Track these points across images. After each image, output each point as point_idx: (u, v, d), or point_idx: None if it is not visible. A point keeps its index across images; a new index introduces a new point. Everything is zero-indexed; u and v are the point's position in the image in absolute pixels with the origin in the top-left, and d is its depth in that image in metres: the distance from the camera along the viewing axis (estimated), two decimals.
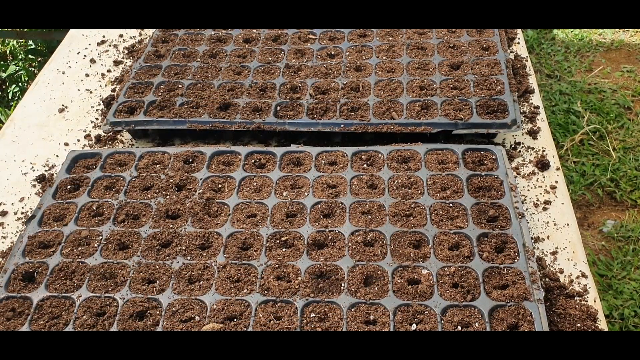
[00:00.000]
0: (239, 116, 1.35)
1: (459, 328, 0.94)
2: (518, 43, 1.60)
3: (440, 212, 1.12)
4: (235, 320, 0.98)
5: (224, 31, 1.64)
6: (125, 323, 0.99)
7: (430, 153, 1.24)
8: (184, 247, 1.10)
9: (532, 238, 1.13)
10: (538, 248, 1.12)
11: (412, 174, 1.19)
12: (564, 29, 3.04)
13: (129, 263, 1.08)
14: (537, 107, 1.39)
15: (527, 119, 1.37)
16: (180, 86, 1.45)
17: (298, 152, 1.27)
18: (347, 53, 1.51)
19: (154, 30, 1.70)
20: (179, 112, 1.37)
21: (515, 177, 1.24)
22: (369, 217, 1.12)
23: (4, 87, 2.95)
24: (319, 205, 1.15)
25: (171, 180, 1.23)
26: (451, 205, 1.13)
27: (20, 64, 2.88)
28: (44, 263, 1.09)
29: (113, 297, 1.03)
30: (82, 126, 1.49)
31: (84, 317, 1.00)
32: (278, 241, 1.09)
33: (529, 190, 1.23)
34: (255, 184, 1.21)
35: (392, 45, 1.51)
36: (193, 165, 1.27)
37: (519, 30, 1.64)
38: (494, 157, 1.23)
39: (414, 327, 0.95)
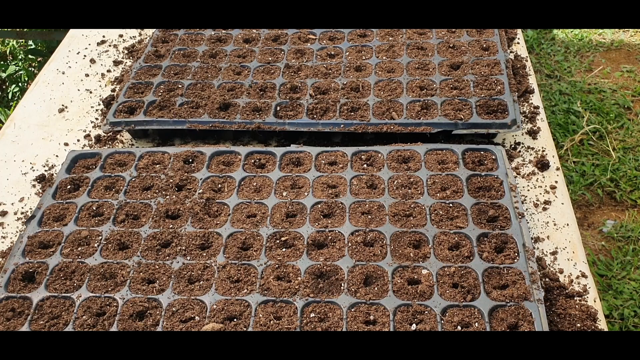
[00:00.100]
0: (238, 116, 1.35)
1: (459, 328, 0.94)
2: (518, 43, 1.60)
3: (440, 212, 1.12)
4: (235, 320, 0.98)
5: (223, 31, 1.64)
6: (125, 323, 0.99)
7: (430, 153, 1.24)
8: (183, 247, 1.10)
9: (532, 238, 1.13)
10: (538, 248, 1.12)
11: (412, 174, 1.19)
12: (564, 29, 3.04)
13: (128, 263, 1.08)
14: (537, 107, 1.40)
15: (527, 119, 1.37)
16: (180, 86, 1.45)
17: (298, 152, 1.27)
18: (347, 53, 1.51)
19: (154, 30, 1.70)
20: (178, 112, 1.37)
21: (515, 177, 1.24)
22: (369, 217, 1.12)
23: (4, 87, 2.95)
24: (319, 205, 1.15)
25: (171, 180, 1.23)
26: (451, 205, 1.13)
27: (20, 64, 2.88)
28: (43, 263, 1.09)
29: (113, 297, 1.03)
30: (82, 126, 1.49)
31: (84, 317, 1.00)
32: (278, 241, 1.09)
33: (528, 190, 1.23)
34: (255, 184, 1.21)
35: (392, 45, 1.51)
36: (193, 165, 1.27)
37: (519, 30, 1.64)
38: (493, 157, 1.23)
39: (414, 327, 0.95)
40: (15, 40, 2.98)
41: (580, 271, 1.08)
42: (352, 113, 1.33)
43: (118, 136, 1.44)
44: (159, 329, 0.98)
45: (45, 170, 1.37)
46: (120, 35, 1.77)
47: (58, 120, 1.51)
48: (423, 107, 1.33)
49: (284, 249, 1.08)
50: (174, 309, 1.00)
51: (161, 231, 1.13)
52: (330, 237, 1.09)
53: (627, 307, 1.89)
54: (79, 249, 1.11)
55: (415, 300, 0.98)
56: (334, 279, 1.02)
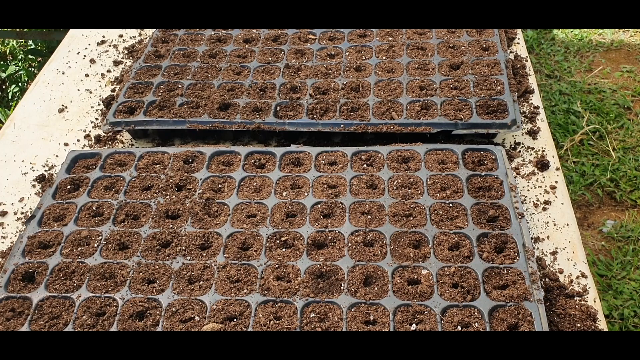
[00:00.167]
0: (238, 116, 1.35)
1: (459, 328, 0.94)
2: (518, 43, 1.60)
3: (440, 212, 1.12)
4: (235, 320, 0.98)
5: (223, 31, 1.64)
6: (125, 323, 0.99)
7: (430, 153, 1.24)
8: (183, 247, 1.10)
9: (532, 238, 1.13)
10: (538, 248, 1.12)
11: (412, 174, 1.19)
12: (564, 29, 3.04)
13: (128, 263, 1.08)
14: (536, 107, 1.40)
15: (526, 119, 1.37)
16: (180, 86, 1.45)
17: (298, 152, 1.27)
18: (347, 53, 1.51)
19: (153, 30, 1.70)
20: (178, 112, 1.37)
21: (515, 177, 1.24)
22: (369, 217, 1.12)
23: (4, 87, 2.95)
24: (319, 206, 1.15)
25: (171, 181, 1.23)
26: (451, 205, 1.13)
27: (20, 64, 2.88)
28: (43, 263, 1.09)
29: (113, 297, 1.03)
30: (82, 126, 1.49)
31: (84, 317, 1.00)
32: (278, 241, 1.09)
33: (528, 190, 1.23)
34: (255, 184, 1.21)
35: (392, 45, 1.51)
36: (193, 165, 1.27)
37: (519, 30, 1.64)
38: (493, 157, 1.23)
39: (413, 327, 0.95)
40: (15, 40, 2.98)
41: (580, 271, 1.08)
42: (352, 113, 1.33)
43: (118, 136, 1.44)
44: (159, 329, 0.98)
45: (45, 170, 1.37)
46: (120, 35, 1.77)
47: (58, 120, 1.51)
48: (423, 107, 1.33)
49: (283, 249, 1.08)
50: (173, 309, 1.00)
51: (161, 231, 1.13)
52: (330, 237, 1.09)
53: (627, 307, 1.89)
54: (79, 249, 1.11)
55: (415, 300, 0.98)
56: (333, 279, 1.02)
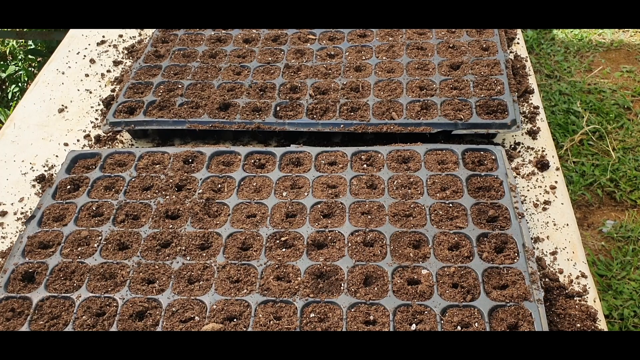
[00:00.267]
0: (238, 116, 1.35)
1: (459, 328, 0.94)
2: (518, 43, 1.60)
3: (440, 212, 1.12)
4: (235, 320, 0.98)
5: (223, 31, 1.64)
6: (125, 323, 0.99)
7: (430, 153, 1.24)
8: (183, 248, 1.10)
9: (531, 238, 1.13)
10: (538, 248, 1.12)
11: (412, 174, 1.19)
12: (564, 29, 3.04)
13: (128, 263, 1.08)
14: (536, 107, 1.40)
15: (526, 119, 1.37)
16: (180, 86, 1.45)
17: (298, 152, 1.27)
18: (347, 53, 1.51)
19: (153, 30, 1.70)
20: (178, 112, 1.37)
21: (515, 177, 1.24)
22: (369, 217, 1.12)
23: (4, 87, 2.94)
24: (319, 206, 1.15)
25: (171, 181, 1.23)
26: (451, 205, 1.13)
27: (20, 64, 2.88)
28: (43, 263, 1.09)
29: (113, 297, 1.03)
30: (82, 126, 1.49)
31: (84, 317, 1.00)
32: (278, 241, 1.09)
33: (528, 190, 1.23)
34: (255, 184, 1.21)
35: (392, 45, 1.51)
36: (193, 165, 1.27)
37: (519, 31, 1.64)
38: (493, 157, 1.23)
39: (413, 327, 0.95)
40: (15, 40, 2.98)
41: (580, 271, 1.08)
42: (352, 113, 1.33)
43: (118, 136, 1.44)
44: (158, 329, 0.98)
45: (45, 171, 1.37)
46: (120, 36, 1.77)
47: (58, 121, 1.51)
48: (423, 107, 1.33)
49: (283, 249, 1.08)
50: (173, 309, 1.00)
51: (161, 231, 1.13)
52: (330, 237, 1.09)
53: (627, 307, 1.89)
54: (79, 249, 1.11)
55: (415, 300, 0.98)
56: (333, 279, 1.02)
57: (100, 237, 1.13)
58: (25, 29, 2.73)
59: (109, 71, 1.65)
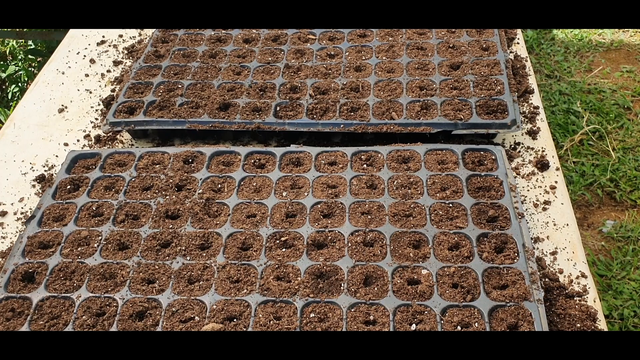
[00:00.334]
0: (238, 116, 1.35)
1: (459, 328, 0.94)
2: (518, 43, 1.60)
3: (440, 212, 1.12)
4: (235, 320, 0.98)
5: (223, 31, 1.64)
6: (125, 323, 0.99)
7: (430, 153, 1.24)
8: (183, 248, 1.10)
9: (531, 238, 1.13)
10: (538, 248, 1.12)
11: (412, 174, 1.19)
12: (564, 29, 3.04)
13: (128, 263, 1.08)
14: (536, 107, 1.40)
15: (526, 119, 1.37)
16: (180, 86, 1.45)
17: (298, 152, 1.27)
18: (347, 53, 1.51)
19: (153, 30, 1.70)
20: (178, 112, 1.37)
21: (515, 177, 1.24)
22: (369, 217, 1.12)
23: (4, 87, 2.94)
24: (319, 206, 1.15)
25: (171, 181, 1.23)
26: (451, 205, 1.13)
27: (20, 64, 2.88)
28: (43, 263, 1.09)
29: (113, 297, 1.03)
30: (82, 126, 1.49)
31: (84, 317, 1.00)
32: (278, 241, 1.09)
33: (528, 190, 1.23)
34: (255, 184, 1.21)
35: (392, 45, 1.51)
36: (193, 165, 1.27)
37: (519, 31, 1.64)
38: (493, 157, 1.23)
39: (413, 327, 0.95)
40: (15, 40, 2.98)
41: (580, 271, 1.08)
42: (352, 113, 1.33)
43: (118, 136, 1.44)
44: (158, 329, 0.98)
45: (45, 171, 1.37)
46: (120, 36, 1.77)
47: (58, 121, 1.51)
48: (423, 107, 1.33)
49: (283, 249, 1.08)
50: (173, 309, 1.00)
51: (161, 231, 1.13)
52: (330, 237, 1.09)
53: (627, 307, 1.89)
54: (79, 249, 1.11)
55: (415, 300, 0.98)
56: (333, 279, 1.02)
57: (100, 237, 1.13)
58: (25, 29, 2.73)
59: (109, 71, 1.65)
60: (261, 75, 1.47)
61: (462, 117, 1.29)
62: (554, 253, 1.11)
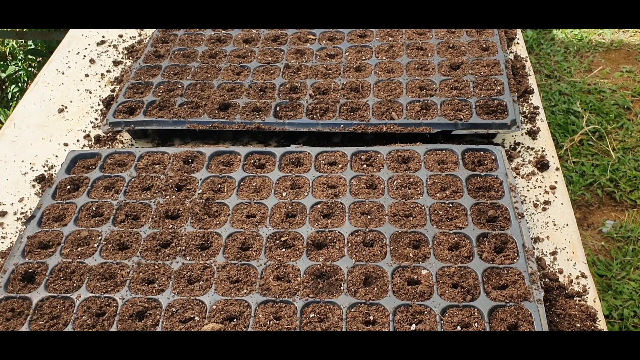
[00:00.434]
0: (238, 116, 1.35)
1: (459, 328, 0.94)
2: (517, 43, 1.60)
3: (440, 212, 1.12)
4: (234, 320, 0.98)
5: (223, 31, 1.64)
6: (125, 323, 0.99)
7: (430, 153, 1.24)
8: (183, 248, 1.10)
9: (531, 238, 1.13)
10: (538, 248, 1.12)
11: (412, 174, 1.19)
12: (564, 29, 3.04)
13: (128, 263, 1.08)
14: (536, 108, 1.40)
15: (526, 119, 1.37)
16: (179, 86, 1.45)
17: (298, 153, 1.27)
18: (347, 53, 1.51)
19: (153, 30, 1.70)
20: (178, 113, 1.37)
21: (515, 177, 1.24)
22: (369, 217, 1.12)
23: (4, 87, 2.94)
24: (319, 206, 1.15)
25: (171, 181, 1.23)
26: (451, 205, 1.13)
27: (19, 64, 2.88)
28: (43, 263, 1.09)
29: (112, 297, 1.03)
30: (82, 126, 1.49)
31: (84, 317, 1.00)
32: (278, 241, 1.09)
33: (528, 190, 1.23)
34: (254, 184, 1.21)
35: (392, 45, 1.51)
36: (193, 165, 1.27)
37: (519, 31, 1.64)
38: (493, 157, 1.23)
39: (413, 327, 0.95)
40: (15, 40, 2.98)
41: (579, 271, 1.08)
42: (352, 113, 1.33)
43: (118, 136, 1.44)
44: (158, 329, 0.98)
45: (45, 171, 1.37)
46: (120, 36, 1.77)
47: (58, 121, 1.51)
48: (423, 107, 1.33)
49: (283, 249, 1.08)
50: (173, 309, 1.00)
51: (161, 231, 1.13)
52: (330, 238, 1.09)
53: (627, 308, 1.89)
54: (79, 249, 1.11)
55: (415, 300, 0.98)
56: (333, 279, 1.02)
57: (100, 237, 1.13)
58: (25, 29, 2.73)
59: (108, 71, 1.65)
60: (261, 75, 1.47)
61: (462, 117, 1.29)
62: (553, 253, 1.11)
